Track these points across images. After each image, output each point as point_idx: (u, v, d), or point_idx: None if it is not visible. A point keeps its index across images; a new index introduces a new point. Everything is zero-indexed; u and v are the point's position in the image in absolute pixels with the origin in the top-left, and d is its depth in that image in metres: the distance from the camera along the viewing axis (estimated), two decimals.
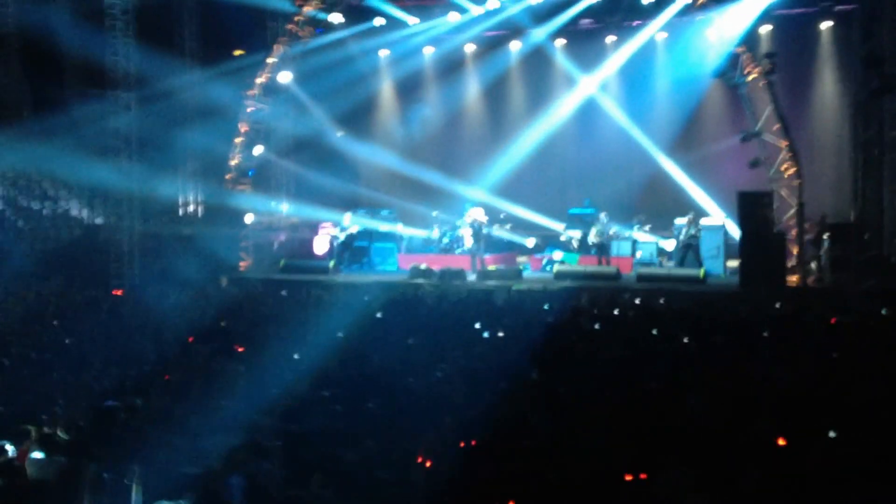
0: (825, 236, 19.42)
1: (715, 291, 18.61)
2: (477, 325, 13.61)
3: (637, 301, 16.83)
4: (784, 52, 21.32)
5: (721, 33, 20.10)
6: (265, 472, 7.13)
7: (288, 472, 7.36)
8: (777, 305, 15.79)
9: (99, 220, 23.04)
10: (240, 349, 12.63)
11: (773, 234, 18.96)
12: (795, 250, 19.45)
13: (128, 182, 21.36)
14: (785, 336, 12.26)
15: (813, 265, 19.74)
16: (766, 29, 22.83)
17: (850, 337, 12.15)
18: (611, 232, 21.65)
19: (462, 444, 7.90)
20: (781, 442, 7.35)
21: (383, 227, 24.01)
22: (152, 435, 8.41)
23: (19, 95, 22.62)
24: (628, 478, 6.78)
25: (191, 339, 13.26)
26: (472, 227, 21.98)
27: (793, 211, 19.57)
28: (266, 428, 8.50)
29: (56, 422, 8.56)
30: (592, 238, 21.59)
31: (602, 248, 21.51)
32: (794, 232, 19.52)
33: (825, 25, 23.19)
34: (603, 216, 21.63)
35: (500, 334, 13.10)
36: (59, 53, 22.85)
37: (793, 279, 19.14)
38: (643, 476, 6.75)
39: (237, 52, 25.64)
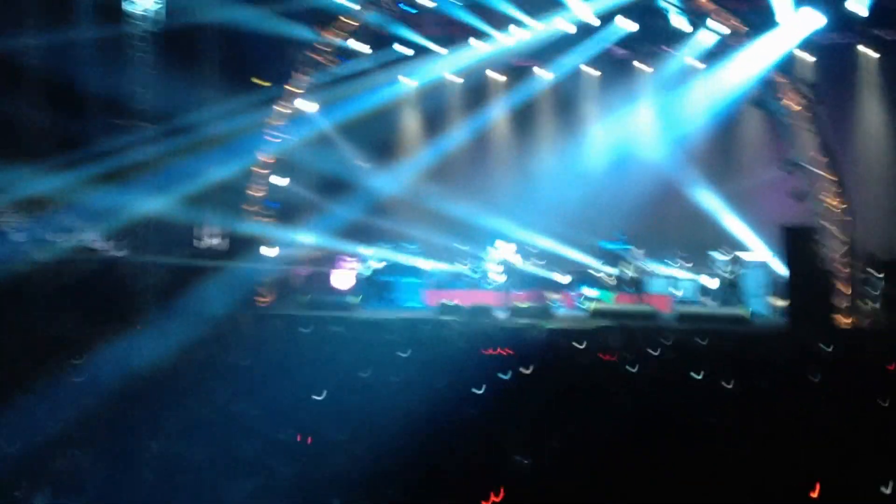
0: (879, 274, 18.54)
1: (760, 332, 17.76)
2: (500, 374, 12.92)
3: (676, 342, 16.04)
4: (827, 80, 20.72)
5: (760, 61, 19.40)
6: None
7: None
8: (829, 348, 14.93)
9: (119, 254, 22.58)
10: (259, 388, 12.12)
11: (823, 271, 18.13)
12: (846, 289, 18.53)
13: (149, 214, 20.94)
14: (835, 380, 11.58)
15: (868, 305, 18.80)
16: (807, 57, 22.15)
17: None
18: (646, 268, 20.87)
19: (493, 498, 7.41)
20: (814, 495, 6.99)
21: (409, 261, 23.40)
22: (168, 479, 8.01)
23: (41, 126, 22.29)
24: None
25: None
26: (501, 262, 21.32)
27: (844, 247, 18.68)
28: (284, 472, 8.07)
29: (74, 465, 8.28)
30: (627, 274, 20.82)
31: (637, 285, 20.72)
32: (843, 269, 18.62)
33: (870, 53, 22.45)
34: (637, 251, 20.87)
35: (529, 376, 12.46)
36: (83, 84, 22.60)
37: (845, 320, 18.21)
38: None
39: (259, 81, 25.38)
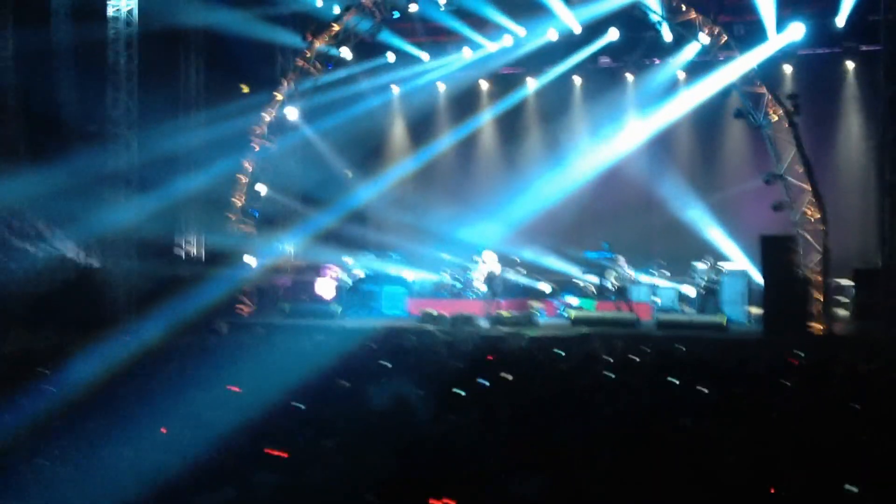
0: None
1: (737, 339, 17.91)
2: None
3: (655, 348, 16.10)
4: (808, 92, 21.00)
5: (742, 72, 19.55)
6: None
7: None
8: (801, 354, 15.06)
9: (95, 263, 22.39)
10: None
11: (798, 279, 18.36)
12: (821, 297, 18.70)
13: (126, 223, 20.84)
14: (809, 386, 11.64)
15: (840, 312, 19.03)
16: (789, 69, 22.53)
17: (877, 387, 11.50)
18: (629, 276, 20.99)
19: None
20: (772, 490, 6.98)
21: (392, 270, 23.41)
22: (139, 489, 7.83)
23: (15, 132, 22.09)
24: None
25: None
26: (485, 271, 21.36)
27: (817, 255, 18.88)
28: (261, 483, 7.89)
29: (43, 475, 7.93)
30: (611, 282, 20.93)
31: (621, 293, 20.84)
32: (818, 278, 18.79)
33: (849, 66, 22.81)
34: (622, 260, 20.99)
35: (510, 382, 12.46)
36: (58, 89, 22.42)
37: (819, 327, 18.38)
38: None
39: (244, 88, 25.34)
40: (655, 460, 8.06)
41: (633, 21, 21.47)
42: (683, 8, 19.83)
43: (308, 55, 22.41)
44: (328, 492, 7.60)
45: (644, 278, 21.78)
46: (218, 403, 11.49)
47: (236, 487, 7.65)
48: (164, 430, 10.08)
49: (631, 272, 21.14)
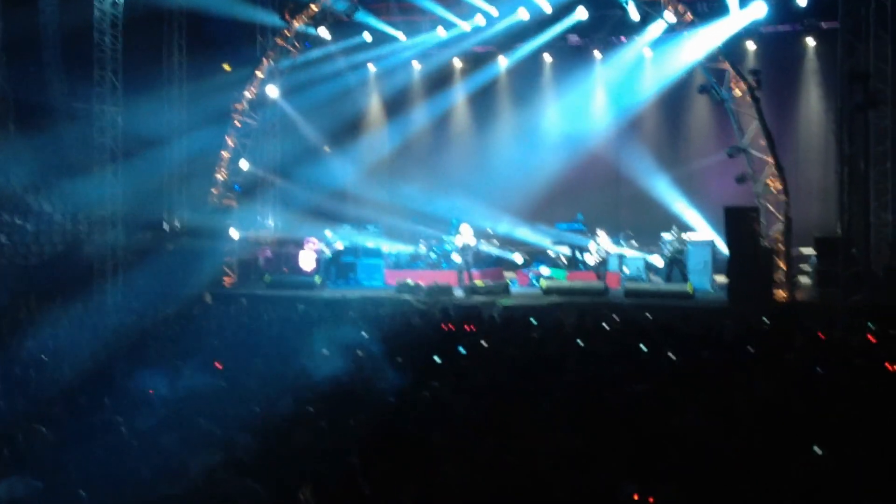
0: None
1: (703, 307, 18.54)
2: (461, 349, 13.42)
3: (624, 317, 16.70)
4: (769, 68, 21.63)
5: (707, 49, 20.13)
6: (247, 491, 7.04)
7: (270, 489, 7.15)
8: (767, 321, 15.70)
9: (82, 236, 22.81)
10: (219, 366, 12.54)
11: (761, 248, 18.99)
12: (784, 265, 19.44)
13: (112, 196, 21.25)
14: (772, 351, 12.22)
15: (802, 280, 19.74)
16: (751, 46, 23.13)
17: (837, 352, 12.10)
18: (608, 247, 21.63)
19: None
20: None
21: (370, 242, 23.93)
22: (131, 454, 8.40)
23: (4, 108, 22.41)
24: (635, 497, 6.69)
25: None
26: (460, 243, 21.86)
27: (780, 225, 19.59)
28: (247, 445, 8.44)
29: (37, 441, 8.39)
30: (594, 252, 21.58)
31: (602, 264, 21.52)
32: (781, 247, 19.52)
33: (809, 42, 23.47)
34: (601, 231, 21.64)
35: (485, 349, 13.00)
36: (45, 67, 22.75)
37: (781, 294, 19.12)
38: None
39: (225, 66, 25.65)
40: (613, 426, 8.62)
41: (600, 0, 22.02)
42: None
43: (287, 34, 22.79)
44: (313, 455, 8.19)
45: (613, 248, 22.41)
46: (204, 371, 12.04)
47: (223, 452, 8.21)
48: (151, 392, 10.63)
49: (608, 243, 21.78)
